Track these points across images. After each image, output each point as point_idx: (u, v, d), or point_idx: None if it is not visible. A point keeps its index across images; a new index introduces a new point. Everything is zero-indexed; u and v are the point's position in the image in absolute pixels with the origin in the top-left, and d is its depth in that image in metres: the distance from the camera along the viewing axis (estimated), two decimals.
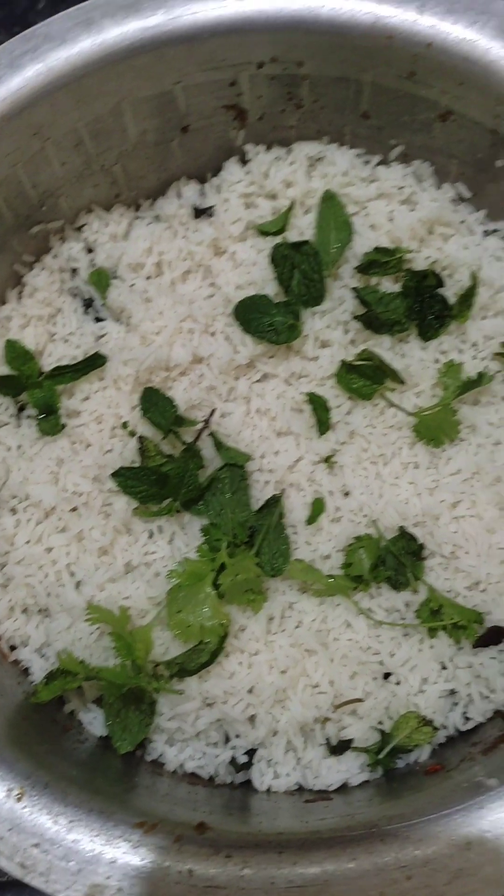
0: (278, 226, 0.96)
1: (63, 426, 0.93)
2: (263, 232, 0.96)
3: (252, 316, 0.95)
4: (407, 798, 0.72)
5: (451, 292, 0.95)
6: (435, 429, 0.92)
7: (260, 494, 0.92)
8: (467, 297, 0.94)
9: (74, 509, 0.90)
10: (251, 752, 0.86)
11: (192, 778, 0.86)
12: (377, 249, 0.95)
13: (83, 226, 0.99)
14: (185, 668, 0.83)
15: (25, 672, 0.90)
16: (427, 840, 0.60)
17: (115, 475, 0.90)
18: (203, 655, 0.83)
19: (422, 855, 0.59)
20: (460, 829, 0.60)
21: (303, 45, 0.84)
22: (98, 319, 0.99)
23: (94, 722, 0.88)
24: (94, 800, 0.65)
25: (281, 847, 0.61)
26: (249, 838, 0.63)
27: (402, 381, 0.93)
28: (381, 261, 0.95)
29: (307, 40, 0.83)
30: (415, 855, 0.59)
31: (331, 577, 0.88)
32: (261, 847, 0.61)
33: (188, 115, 0.92)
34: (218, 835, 0.63)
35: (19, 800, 0.65)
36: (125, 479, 0.90)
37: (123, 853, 0.61)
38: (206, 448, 0.92)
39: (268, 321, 0.94)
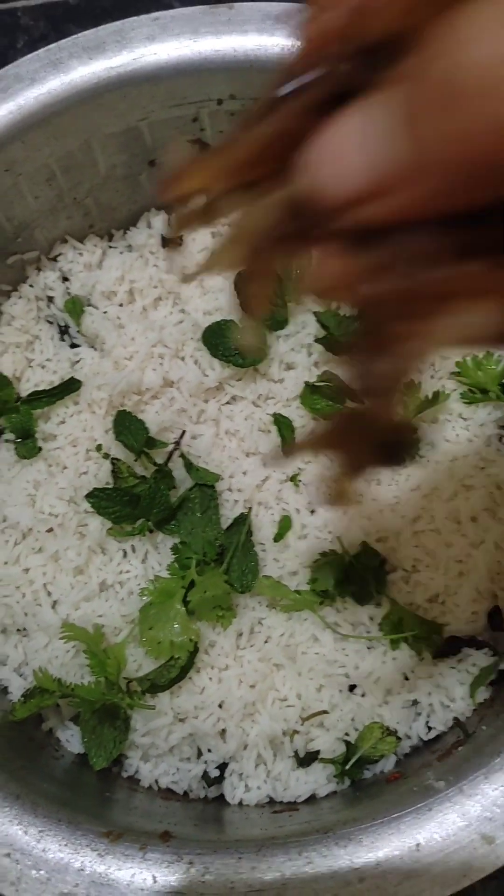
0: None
1: (39, 449, 0.97)
2: None
3: (219, 340, 0.98)
4: (365, 804, 0.75)
5: None
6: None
7: (230, 513, 0.95)
8: None
9: (50, 530, 0.93)
10: (223, 767, 0.88)
11: (167, 793, 0.88)
12: None
13: (58, 256, 1.03)
14: (157, 683, 0.86)
15: (4, 691, 0.92)
16: (379, 843, 0.63)
17: (89, 496, 0.93)
18: (173, 671, 0.86)
19: (374, 857, 0.62)
20: (410, 831, 0.63)
21: (257, 82, 0.88)
22: (74, 345, 1.03)
23: (72, 739, 0.90)
24: (62, 811, 0.68)
25: (240, 853, 0.64)
26: (210, 845, 0.65)
27: (361, 401, 0.96)
28: None
29: (261, 78, 0.87)
30: (367, 857, 0.62)
31: (298, 592, 0.91)
32: (220, 854, 0.64)
33: (154, 150, 0.95)
34: (181, 843, 0.66)
35: None
36: (99, 500, 0.93)
37: (90, 862, 0.64)
38: (178, 469, 0.96)
39: (234, 345, 0.98)
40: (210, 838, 0.69)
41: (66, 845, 0.65)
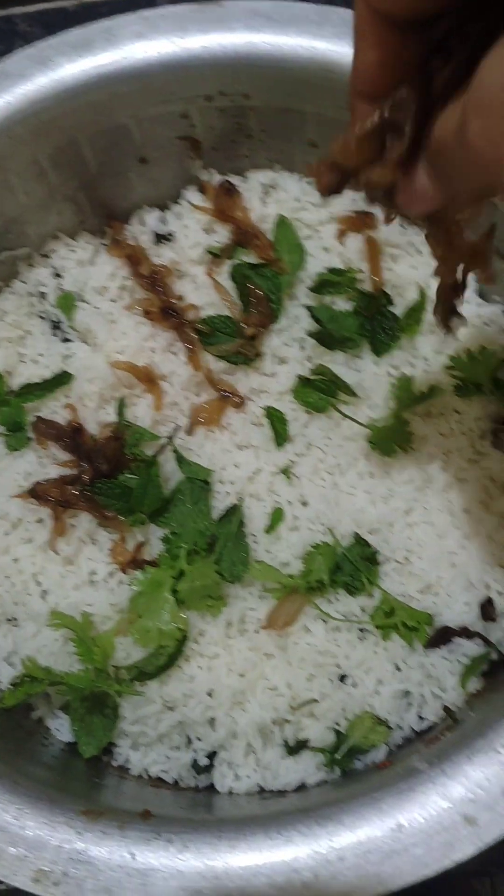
0: (229, 251, 1.01)
1: (30, 440, 0.97)
2: (213, 254, 1.01)
3: (212, 335, 0.99)
4: (349, 787, 0.74)
5: (400, 310, 0.99)
6: (388, 440, 0.95)
7: (221, 505, 0.95)
8: (415, 310, 0.98)
9: (40, 521, 0.94)
10: (212, 756, 0.88)
11: (157, 782, 0.88)
12: (329, 270, 1.00)
13: (50, 252, 1.04)
14: (145, 671, 0.86)
15: None
16: (360, 822, 0.62)
17: (93, 489, 0.93)
18: (161, 659, 0.86)
19: (355, 837, 0.62)
20: (392, 812, 0.62)
21: (246, 78, 0.89)
22: (66, 340, 1.04)
23: (62, 728, 0.90)
24: (43, 790, 0.68)
25: (220, 831, 0.63)
26: (190, 824, 0.65)
27: (353, 394, 0.96)
28: (333, 280, 0.99)
29: (249, 73, 0.89)
30: (348, 837, 0.62)
31: (290, 576, 0.91)
32: (200, 832, 0.63)
33: (144, 147, 0.97)
34: (161, 821, 0.65)
35: None
36: (99, 493, 0.93)
37: (69, 839, 0.64)
38: (170, 462, 0.96)
39: (227, 340, 0.99)
40: (191, 817, 0.69)
41: (44, 823, 0.64)
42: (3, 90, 0.85)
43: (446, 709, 0.84)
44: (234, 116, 0.94)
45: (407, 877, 0.59)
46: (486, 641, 0.88)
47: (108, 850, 0.63)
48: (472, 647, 0.87)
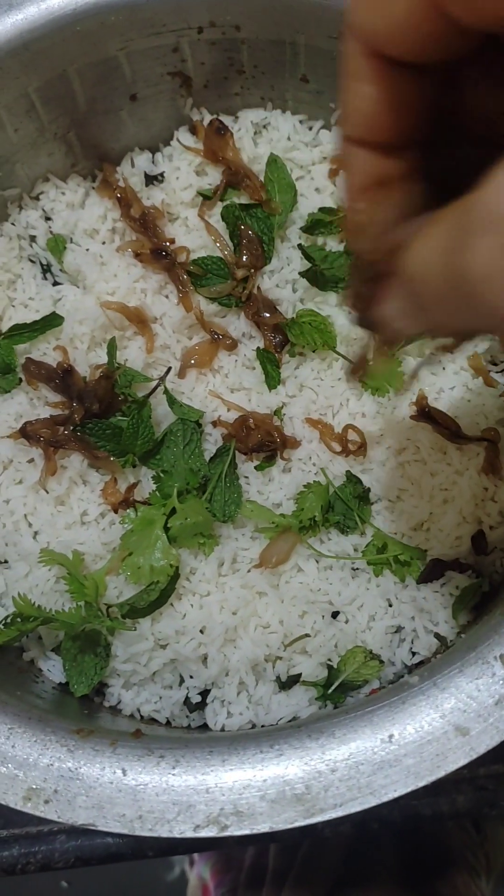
0: (220, 192, 1.00)
1: (20, 381, 0.96)
2: (204, 196, 1.00)
3: (204, 276, 0.99)
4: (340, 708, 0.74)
5: None
6: (380, 379, 0.95)
7: (213, 448, 0.94)
8: None
9: (31, 461, 0.93)
10: (205, 694, 0.88)
11: (150, 722, 0.88)
12: (321, 210, 0.99)
13: (40, 194, 1.03)
14: (136, 607, 0.85)
15: None
16: (351, 735, 0.62)
17: (83, 428, 0.92)
18: (153, 594, 0.85)
19: (346, 749, 0.61)
20: (383, 724, 0.62)
21: (236, 8, 0.88)
22: (56, 284, 1.03)
23: (53, 669, 0.90)
24: (32, 711, 0.67)
25: (211, 747, 0.63)
26: (181, 741, 0.65)
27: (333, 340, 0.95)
28: (325, 220, 0.98)
29: (240, 3, 0.87)
30: (339, 749, 0.61)
31: (283, 515, 0.90)
32: (191, 747, 0.63)
33: (135, 83, 0.96)
34: (152, 739, 0.65)
35: None
36: (90, 433, 0.92)
37: (60, 757, 0.63)
38: (163, 405, 0.95)
39: (219, 281, 0.98)
40: (182, 736, 0.68)
41: (35, 742, 0.64)
42: None
43: (437, 635, 0.84)
44: (226, 50, 0.93)
45: (398, 787, 0.59)
46: (478, 573, 0.87)
47: (100, 767, 0.62)
48: (464, 580, 0.87)
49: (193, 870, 1.57)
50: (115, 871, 1.75)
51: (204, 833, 0.60)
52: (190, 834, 0.60)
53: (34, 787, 0.62)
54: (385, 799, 0.59)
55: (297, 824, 0.60)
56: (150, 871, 1.85)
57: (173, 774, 0.61)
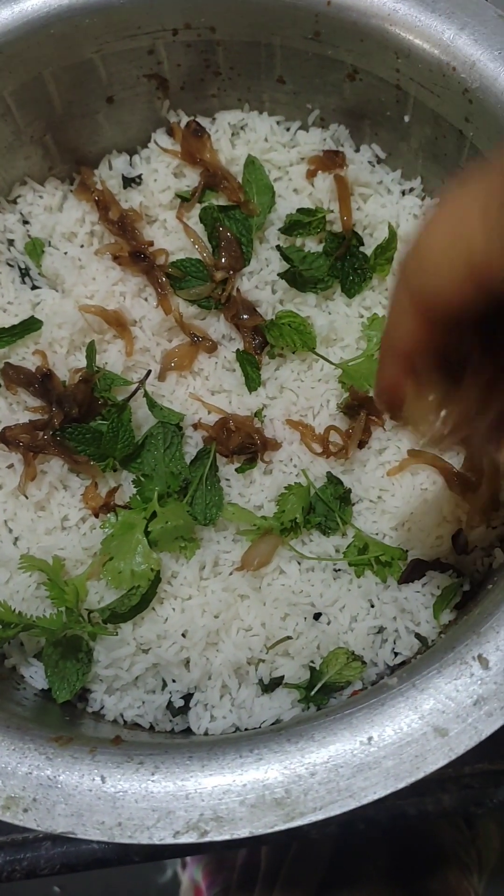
0: (198, 194, 0.99)
1: (0, 386, 0.96)
2: (182, 198, 1.00)
3: (183, 279, 0.98)
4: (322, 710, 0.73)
5: (371, 250, 0.99)
6: (359, 379, 0.95)
7: (194, 451, 0.94)
8: (385, 249, 0.97)
9: (11, 466, 0.93)
10: (188, 698, 0.87)
11: (133, 727, 0.87)
12: (299, 210, 0.99)
13: (17, 198, 1.03)
14: (117, 612, 0.85)
15: None
16: (330, 738, 0.62)
17: (63, 432, 0.91)
18: (134, 599, 0.85)
19: (325, 752, 0.61)
20: (362, 726, 0.62)
21: (210, 9, 0.88)
22: (35, 288, 1.02)
23: (35, 675, 0.89)
24: (11, 719, 0.67)
25: (191, 752, 0.63)
26: (161, 747, 0.64)
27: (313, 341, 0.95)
28: (303, 221, 0.98)
29: (214, 4, 0.87)
30: (319, 752, 0.61)
31: (264, 518, 0.90)
32: (170, 753, 0.63)
33: (111, 86, 0.95)
34: (132, 745, 0.65)
35: None
36: (70, 438, 0.92)
37: (38, 766, 0.63)
38: (143, 408, 0.95)
39: (198, 283, 0.98)
40: (162, 742, 0.68)
41: (13, 750, 0.64)
42: None
43: (418, 636, 0.84)
44: (202, 52, 0.93)
45: (378, 789, 0.59)
46: (460, 573, 0.87)
47: (79, 775, 0.62)
48: (445, 580, 0.87)
49: (186, 872, 1.56)
50: (106, 875, 1.76)
51: (184, 839, 0.60)
52: (170, 840, 0.59)
53: (13, 795, 0.62)
54: (365, 801, 0.59)
55: (277, 828, 0.59)
56: (142, 874, 1.84)
57: (152, 781, 0.61)
